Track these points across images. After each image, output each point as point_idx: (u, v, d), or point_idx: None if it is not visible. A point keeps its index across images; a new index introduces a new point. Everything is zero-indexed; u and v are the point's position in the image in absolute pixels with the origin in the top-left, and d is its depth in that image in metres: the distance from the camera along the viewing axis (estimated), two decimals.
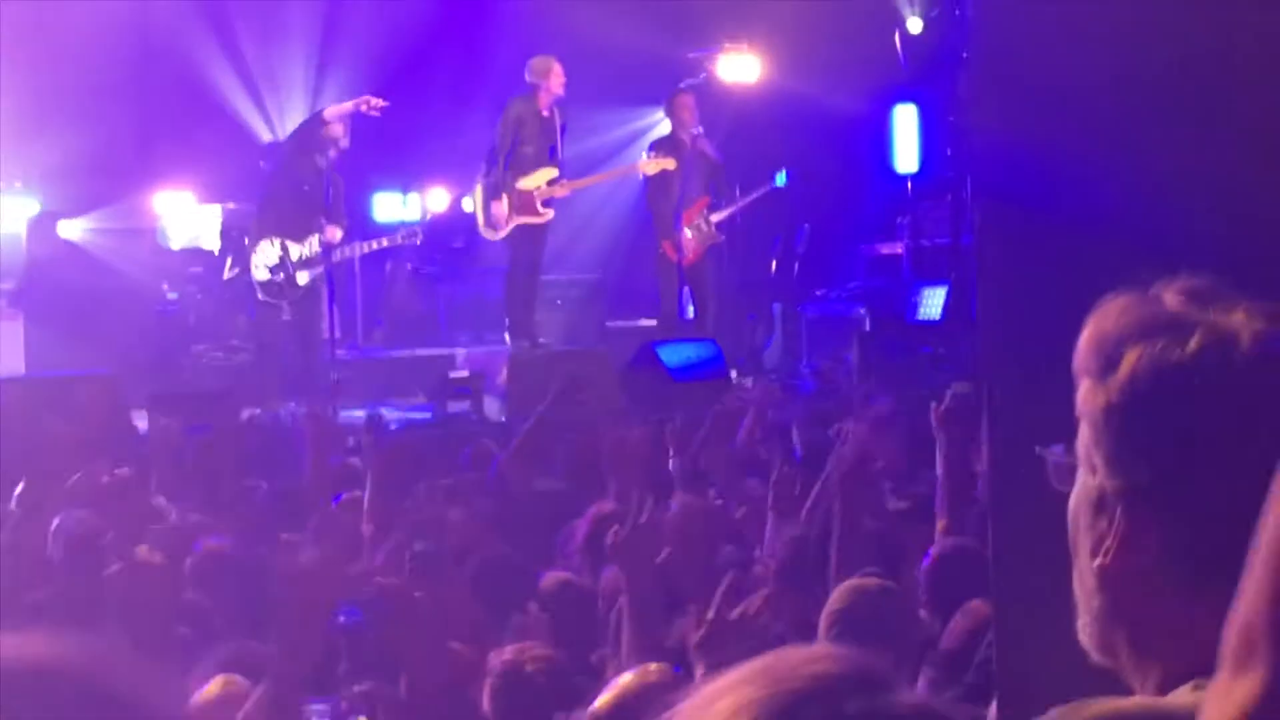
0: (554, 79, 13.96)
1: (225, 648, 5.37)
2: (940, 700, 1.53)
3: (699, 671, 3.95)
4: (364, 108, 13.61)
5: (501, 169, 13.89)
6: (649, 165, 14.61)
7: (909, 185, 16.51)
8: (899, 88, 16.25)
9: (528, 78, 14.07)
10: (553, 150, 14.07)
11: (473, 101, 17.07)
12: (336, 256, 13.83)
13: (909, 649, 4.56)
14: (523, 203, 13.93)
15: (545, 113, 13.99)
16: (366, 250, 14.26)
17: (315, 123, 13.97)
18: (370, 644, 5.01)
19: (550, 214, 14.10)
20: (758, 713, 1.48)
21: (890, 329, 15.21)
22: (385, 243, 14.40)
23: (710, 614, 4.05)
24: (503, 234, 14.02)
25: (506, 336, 14.44)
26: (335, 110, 13.72)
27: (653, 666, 4.00)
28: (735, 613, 4.07)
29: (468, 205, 14.91)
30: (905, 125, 16.39)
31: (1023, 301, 2.94)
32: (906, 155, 16.38)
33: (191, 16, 17.64)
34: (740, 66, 16.09)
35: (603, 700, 3.87)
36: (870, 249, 17.20)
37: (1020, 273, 3.00)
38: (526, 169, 13.94)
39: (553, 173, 14.02)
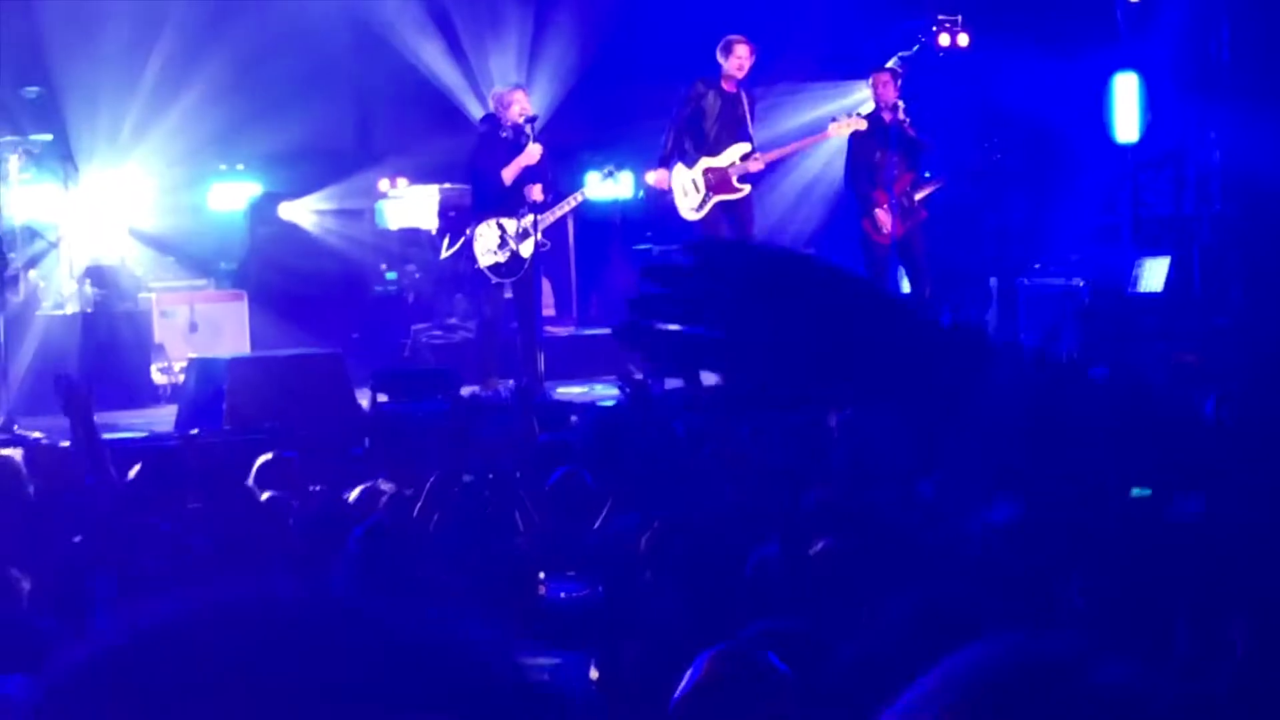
0: (734, 59, 13.97)
1: None
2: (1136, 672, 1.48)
3: None
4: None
5: (670, 147, 13.94)
6: (840, 128, 14.52)
7: (1129, 155, 16.21)
8: (1118, 55, 15.95)
9: (717, 57, 14.10)
10: (742, 127, 14.05)
11: (683, 79, 17.13)
12: (549, 218, 13.88)
13: None
14: (719, 180, 13.93)
15: (729, 90, 13.99)
16: (573, 204, 14.24)
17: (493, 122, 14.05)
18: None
19: (747, 189, 14.07)
20: None
21: (1110, 302, 14.96)
22: (583, 195, 14.37)
23: None
24: (702, 213, 14.00)
25: None
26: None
27: None
28: None
29: (651, 178, 14.82)
30: (1125, 94, 16.08)
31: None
32: (1127, 124, 16.07)
33: (407, 1, 17.89)
34: (954, 37, 15.92)
35: None
36: (1089, 220, 16.93)
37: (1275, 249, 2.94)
38: (715, 148, 13.96)
39: (745, 148, 14.00)
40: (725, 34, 14.19)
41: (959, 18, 15.89)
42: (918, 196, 14.72)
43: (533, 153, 13.51)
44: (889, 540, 6.39)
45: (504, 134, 13.71)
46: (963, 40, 16.01)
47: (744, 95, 14.03)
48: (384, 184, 17.58)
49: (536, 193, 13.69)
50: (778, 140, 14.92)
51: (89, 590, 5.40)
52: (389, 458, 9.56)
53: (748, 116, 14.04)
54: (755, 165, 14.01)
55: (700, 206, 13.96)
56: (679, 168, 14.03)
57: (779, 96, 17.91)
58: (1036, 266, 16.31)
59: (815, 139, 14.69)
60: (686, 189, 13.99)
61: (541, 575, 4.70)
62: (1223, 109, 14.44)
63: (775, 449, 9.07)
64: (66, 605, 5.29)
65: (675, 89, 15.96)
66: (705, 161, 13.92)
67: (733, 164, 13.93)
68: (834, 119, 14.65)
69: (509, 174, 13.54)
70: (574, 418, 10.99)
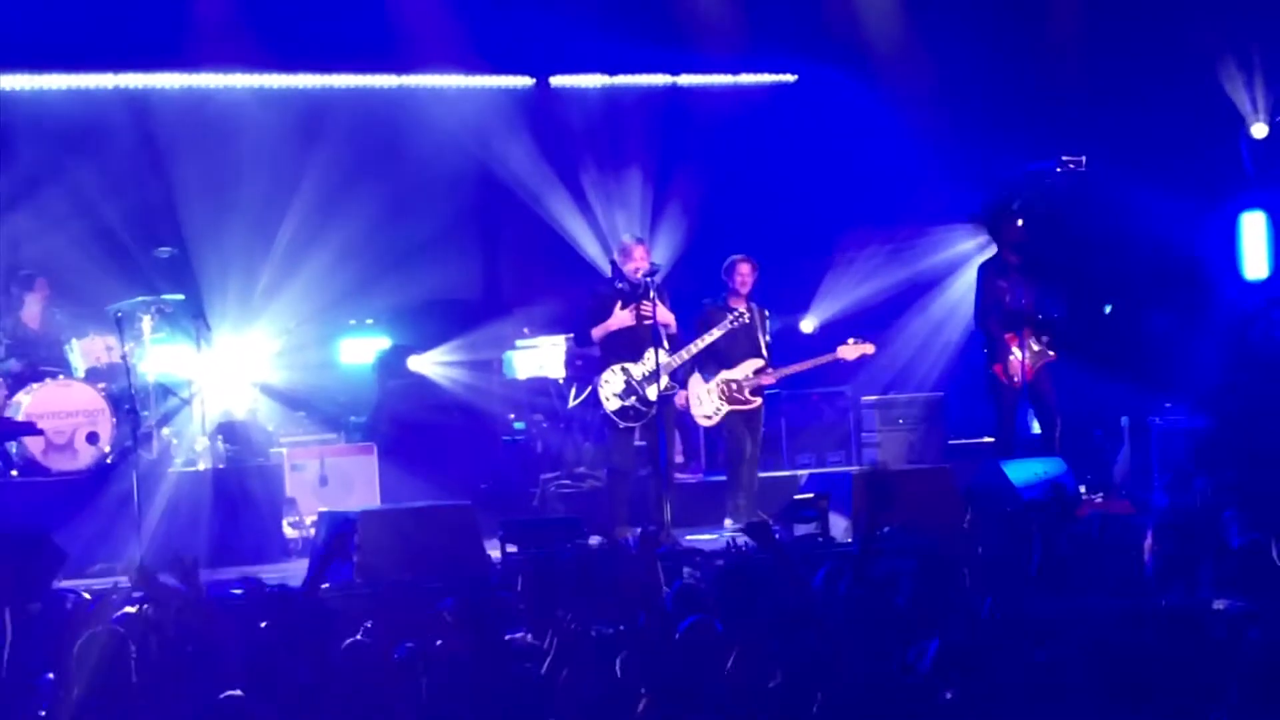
0: (738, 276, 14.40)
1: None
2: None
3: None
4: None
5: (691, 362, 14.28)
6: (848, 351, 14.64)
7: (1260, 291, 16.07)
8: (1245, 193, 15.86)
9: (724, 276, 14.49)
10: (754, 342, 14.28)
11: (804, 224, 17.29)
12: (675, 363, 13.96)
13: None
14: (734, 392, 14.40)
15: (737, 306, 14.29)
16: (694, 350, 14.27)
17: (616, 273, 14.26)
18: None
19: (758, 401, 14.38)
20: None
21: (1243, 439, 14.74)
22: (714, 336, 14.37)
23: None
24: (714, 420, 14.48)
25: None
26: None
27: None
28: None
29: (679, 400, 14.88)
30: (1253, 231, 15.98)
31: None
32: (1256, 261, 15.95)
33: (534, 157, 18.11)
34: (1078, 177, 15.89)
35: None
36: (1220, 358, 16.74)
37: None
38: (729, 362, 14.38)
39: (758, 363, 14.34)
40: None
41: (1083, 159, 15.87)
42: (1045, 338, 14.62)
43: (622, 317, 13.70)
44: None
45: (621, 285, 13.83)
46: (1087, 180, 15.97)
47: (754, 310, 14.36)
48: (510, 335, 17.71)
49: (646, 357, 13.79)
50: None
51: None
52: (519, 609, 9.51)
53: (759, 331, 14.40)
54: (768, 380, 14.51)
55: (713, 415, 14.47)
56: (696, 377, 14.49)
57: (903, 241, 17.99)
58: (1168, 405, 16.13)
59: (826, 358, 14.82)
60: (701, 398, 14.50)
61: None
62: None
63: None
64: None
65: (796, 234, 16.10)
66: (722, 374, 14.41)
67: (746, 377, 14.34)
68: (843, 343, 14.75)
69: (597, 333, 13.77)
70: (687, 569, 10.97)
